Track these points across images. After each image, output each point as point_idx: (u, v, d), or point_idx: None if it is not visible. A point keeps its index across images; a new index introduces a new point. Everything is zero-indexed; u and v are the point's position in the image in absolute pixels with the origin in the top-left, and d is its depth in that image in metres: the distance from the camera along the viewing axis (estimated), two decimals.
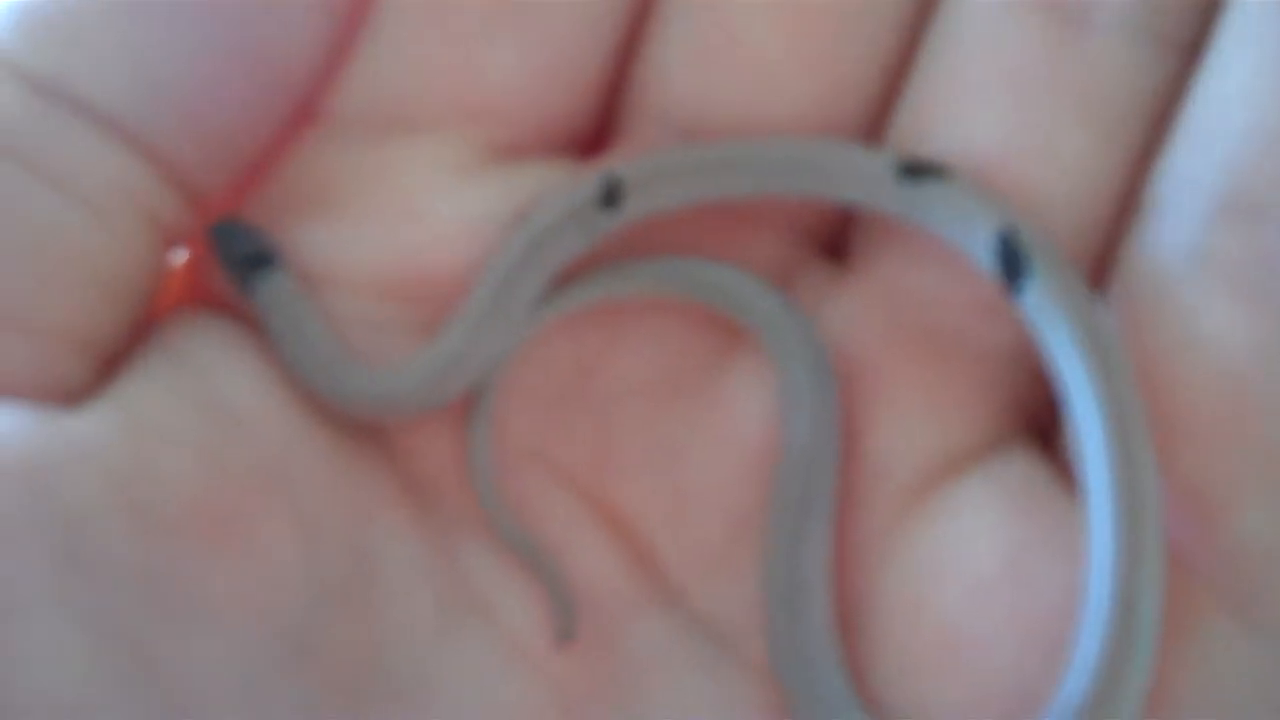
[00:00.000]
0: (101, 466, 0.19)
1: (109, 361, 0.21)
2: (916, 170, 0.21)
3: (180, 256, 0.22)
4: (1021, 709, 0.19)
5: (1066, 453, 0.21)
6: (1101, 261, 0.21)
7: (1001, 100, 0.21)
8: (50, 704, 0.18)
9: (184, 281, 0.22)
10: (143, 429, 0.19)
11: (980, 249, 0.20)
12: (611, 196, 0.21)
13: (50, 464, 0.19)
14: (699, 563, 0.21)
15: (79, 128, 0.20)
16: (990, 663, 0.20)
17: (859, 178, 0.21)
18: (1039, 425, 0.22)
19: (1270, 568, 0.19)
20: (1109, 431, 0.19)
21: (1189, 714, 0.19)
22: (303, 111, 0.22)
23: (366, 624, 0.20)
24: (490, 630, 0.21)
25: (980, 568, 0.20)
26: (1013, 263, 0.20)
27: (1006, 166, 0.21)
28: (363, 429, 0.21)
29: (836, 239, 0.23)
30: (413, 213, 0.21)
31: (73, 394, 0.20)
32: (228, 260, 0.21)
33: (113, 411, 0.20)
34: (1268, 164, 0.20)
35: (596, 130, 0.23)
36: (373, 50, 0.21)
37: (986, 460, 0.21)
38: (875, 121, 0.22)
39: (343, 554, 0.20)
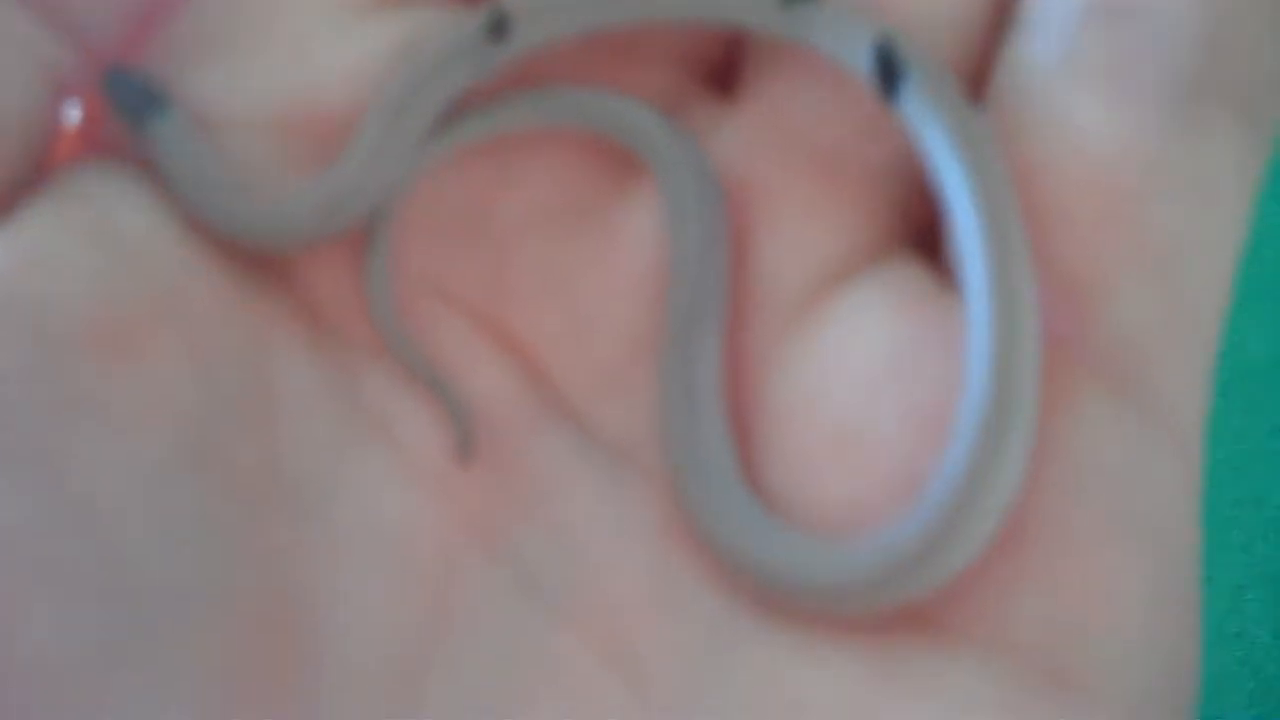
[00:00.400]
0: None
1: (3, 206, 0.21)
2: None
3: (75, 111, 0.23)
4: (905, 494, 0.20)
5: (950, 262, 0.22)
6: (979, 77, 0.22)
7: None
8: None
9: (79, 135, 0.23)
10: (35, 257, 0.20)
11: (859, 62, 0.21)
12: (499, 29, 0.22)
13: None
14: (595, 382, 0.22)
15: None
16: (879, 452, 0.20)
17: (743, 2, 0.21)
18: (923, 239, 0.22)
19: (1145, 348, 0.20)
20: (984, 222, 0.20)
21: (1072, 487, 0.20)
22: None
23: (263, 439, 0.20)
24: (390, 449, 0.21)
25: (867, 364, 0.21)
26: (890, 72, 0.21)
27: None
28: (261, 262, 0.22)
29: (722, 71, 0.23)
30: (304, 51, 0.22)
31: None
32: (120, 105, 0.22)
33: (5, 242, 0.20)
34: None
35: None
36: None
37: (872, 268, 0.21)
38: None
39: (237, 374, 0.20)
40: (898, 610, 0.20)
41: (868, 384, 0.21)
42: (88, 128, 0.23)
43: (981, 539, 0.19)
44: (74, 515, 0.19)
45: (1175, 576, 0.20)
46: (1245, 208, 0.21)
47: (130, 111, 0.22)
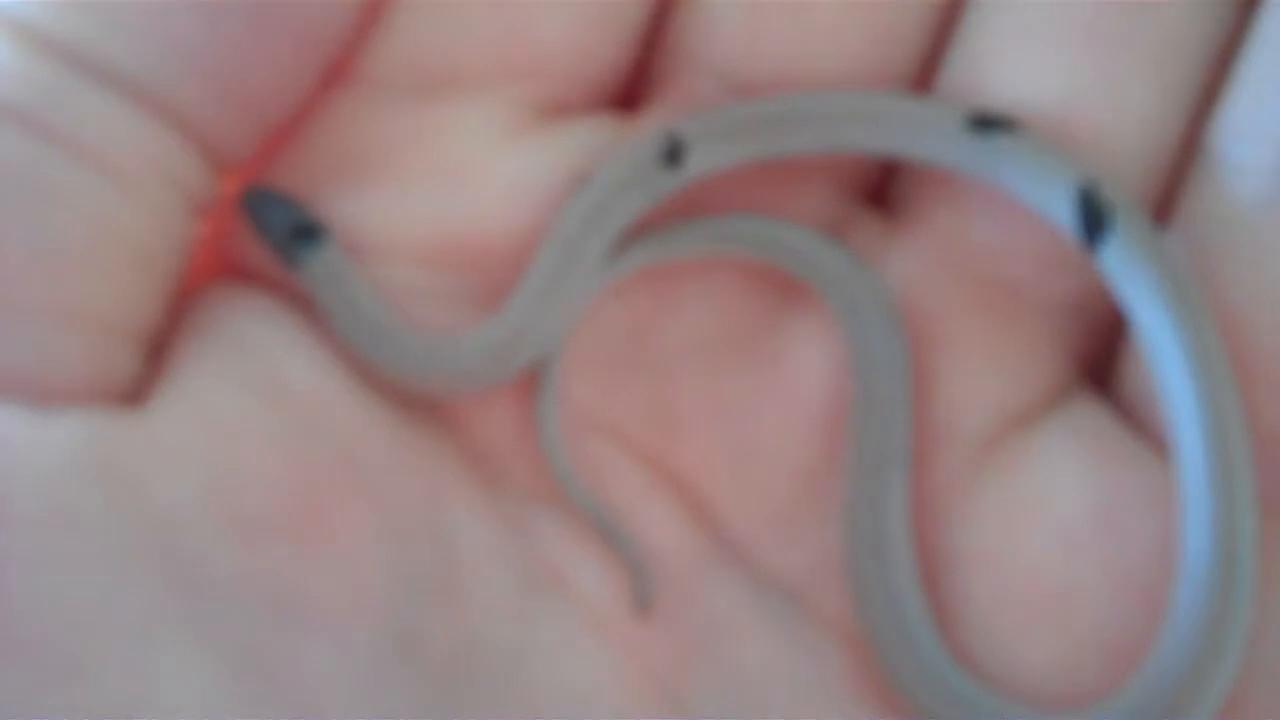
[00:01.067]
0: (188, 468, 0.18)
1: (154, 348, 0.19)
2: (986, 123, 0.20)
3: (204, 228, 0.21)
4: (1115, 664, 0.20)
5: (1129, 401, 0.21)
6: (1163, 212, 0.21)
7: (1060, 49, 0.20)
8: None
9: (209, 254, 0.21)
10: (219, 425, 0.18)
11: (1057, 205, 0.20)
12: (673, 155, 0.20)
13: (139, 469, 0.17)
14: (766, 521, 0.21)
15: (110, 99, 0.19)
16: (1083, 616, 0.20)
17: (927, 132, 0.20)
18: (1097, 378, 0.22)
19: None
20: (1199, 383, 0.19)
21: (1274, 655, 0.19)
22: (332, 74, 0.20)
23: (455, 612, 0.19)
24: (571, 606, 0.20)
25: (1067, 518, 0.20)
26: (1093, 218, 0.20)
27: (1067, 118, 0.20)
28: (423, 405, 0.20)
29: (884, 191, 0.22)
30: (462, 177, 0.20)
31: (128, 389, 0.19)
32: (269, 232, 0.20)
33: (184, 408, 0.18)
34: None
35: (634, 84, 0.22)
36: (409, 10, 0.20)
37: (1057, 411, 0.21)
38: (924, 74, 0.21)
39: (423, 541, 0.19)
40: None
41: (1068, 538, 0.20)
42: (218, 247, 0.21)
43: (1210, 712, 0.19)
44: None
45: None
46: None
47: (281, 241, 0.20)
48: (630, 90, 0.22)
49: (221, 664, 0.17)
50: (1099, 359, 0.22)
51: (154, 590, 0.17)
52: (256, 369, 0.19)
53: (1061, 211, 0.20)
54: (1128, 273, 0.20)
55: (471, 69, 0.21)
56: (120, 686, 0.17)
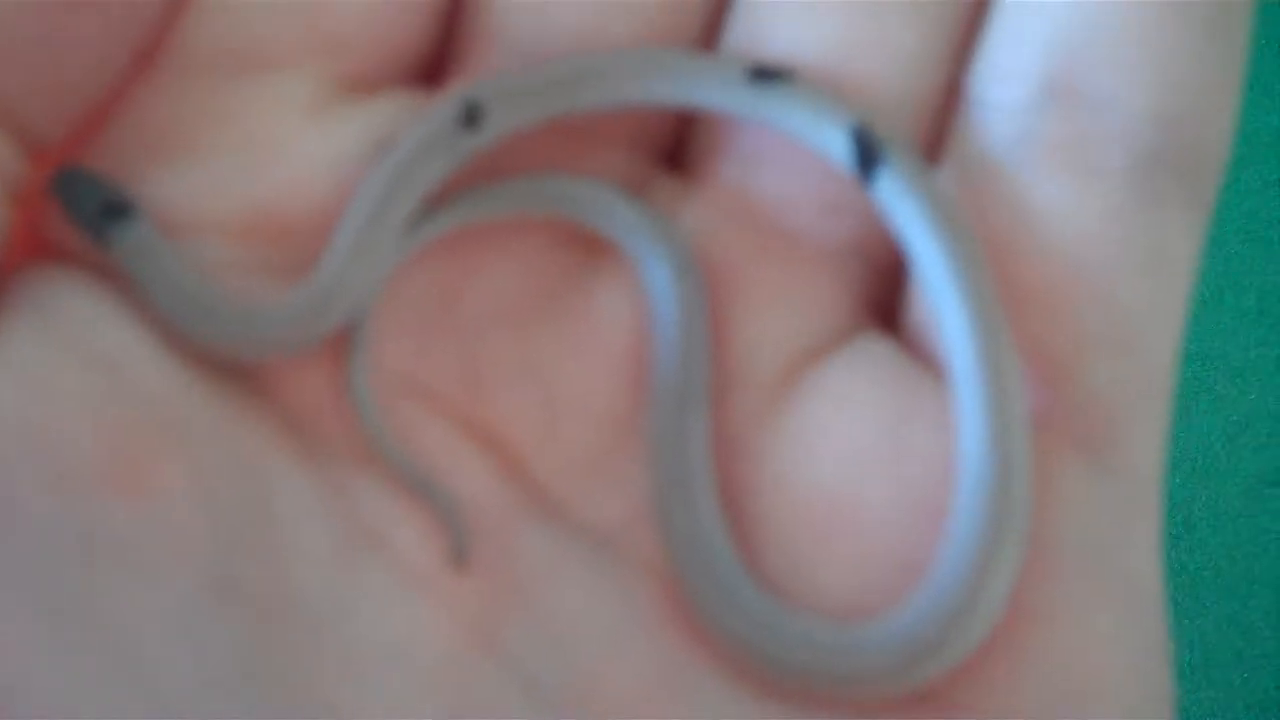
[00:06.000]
0: (4, 423, 0.18)
1: None
2: (766, 74, 0.21)
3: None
4: (905, 575, 0.21)
5: (914, 335, 0.22)
6: (932, 152, 0.22)
7: (830, 8, 0.22)
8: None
9: (27, 239, 0.22)
10: (31, 386, 0.19)
11: (834, 144, 0.21)
12: (471, 118, 0.21)
13: None
14: (577, 471, 0.22)
15: None
16: (873, 530, 0.21)
17: (713, 84, 0.22)
18: (885, 316, 0.23)
19: (1117, 414, 0.21)
20: (969, 305, 0.21)
21: (1062, 558, 0.20)
22: (144, 55, 0.21)
23: (272, 562, 0.20)
24: (389, 561, 0.21)
25: (855, 439, 0.21)
26: (867, 154, 0.21)
27: (841, 69, 0.22)
28: (237, 370, 0.21)
29: (678, 153, 0.23)
30: (269, 152, 0.21)
31: None
32: (79, 213, 0.21)
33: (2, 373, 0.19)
34: (1079, 47, 0.21)
35: (438, 59, 0.23)
36: None
37: (846, 346, 0.22)
38: (710, 36, 0.23)
39: (237, 495, 0.20)
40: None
41: (857, 458, 0.21)
42: (31, 229, 0.22)
43: (993, 619, 0.20)
44: (122, 667, 0.18)
45: (1156, 626, 0.21)
46: (1193, 268, 0.22)
47: (89, 219, 0.21)
48: (434, 68, 0.23)
49: (33, 606, 0.18)
50: (890, 301, 0.23)
51: None
52: (69, 336, 0.20)
53: (838, 150, 0.21)
54: (900, 203, 0.21)
55: (276, 47, 0.21)
56: None
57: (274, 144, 0.21)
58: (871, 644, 0.20)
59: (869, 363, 0.22)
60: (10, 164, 0.20)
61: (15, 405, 0.19)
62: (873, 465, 0.21)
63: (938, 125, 0.22)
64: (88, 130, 0.21)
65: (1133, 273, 0.21)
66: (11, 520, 0.18)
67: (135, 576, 0.18)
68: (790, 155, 0.22)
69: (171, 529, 0.19)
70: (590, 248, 0.22)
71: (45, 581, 0.18)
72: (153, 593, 0.18)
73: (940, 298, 0.21)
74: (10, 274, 0.21)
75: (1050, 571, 0.20)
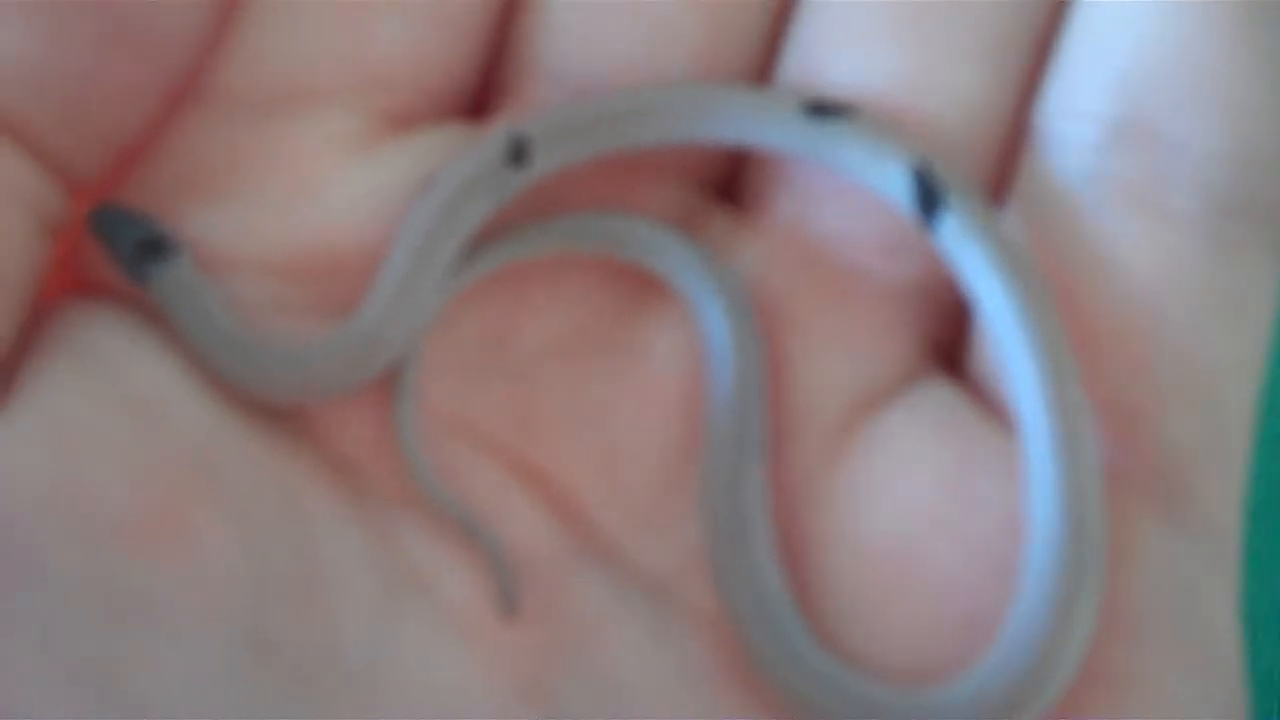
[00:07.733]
0: (32, 477, 0.18)
1: (6, 366, 0.19)
2: (822, 110, 0.21)
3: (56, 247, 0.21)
4: (971, 635, 0.20)
5: (978, 381, 0.21)
6: (997, 191, 0.21)
7: (889, 40, 0.21)
8: None
9: (65, 275, 0.21)
10: (66, 436, 0.18)
11: (893, 185, 0.21)
12: (519, 154, 0.21)
13: None
14: (631, 516, 0.21)
15: None
16: (938, 587, 0.20)
17: (767, 120, 0.21)
18: (946, 357, 0.22)
19: (1195, 470, 0.20)
20: (1038, 355, 0.20)
21: (1138, 621, 0.20)
22: (182, 91, 0.21)
23: (314, 615, 0.19)
24: (435, 608, 0.20)
25: (918, 491, 0.20)
26: (928, 197, 0.20)
27: (900, 105, 0.21)
28: (280, 414, 0.21)
29: (731, 186, 0.23)
30: (311, 190, 0.21)
31: None
32: (117, 249, 0.20)
33: (30, 419, 0.18)
34: (1152, 87, 0.20)
35: (482, 92, 0.22)
36: (254, 25, 0.21)
37: (907, 392, 0.21)
38: (763, 65, 0.22)
39: (280, 544, 0.19)
40: None
41: (920, 514, 0.20)
42: (69, 265, 0.21)
43: (1065, 685, 0.19)
44: None
45: (1235, 691, 0.20)
46: (1270, 319, 0.21)
47: (129, 257, 0.20)
48: (480, 100, 0.22)
49: (63, 670, 0.17)
50: (952, 342, 0.22)
51: None
52: (106, 379, 0.19)
53: (898, 191, 0.21)
54: (964, 248, 0.20)
55: (318, 82, 0.21)
56: None
57: (317, 181, 0.21)
58: (937, 709, 0.19)
59: (932, 410, 0.21)
60: (50, 200, 0.20)
61: (46, 455, 0.18)
62: (937, 519, 0.20)
63: (1002, 164, 0.21)
64: (128, 166, 0.21)
65: (1209, 322, 0.20)
66: (36, 578, 0.17)
67: (166, 637, 0.18)
68: (850, 190, 0.21)
69: (208, 584, 0.18)
70: (642, 285, 0.22)
71: (68, 642, 0.17)
72: (183, 654, 0.18)
73: (1008, 346, 0.20)
74: (50, 311, 0.21)
75: (1125, 634, 0.20)
